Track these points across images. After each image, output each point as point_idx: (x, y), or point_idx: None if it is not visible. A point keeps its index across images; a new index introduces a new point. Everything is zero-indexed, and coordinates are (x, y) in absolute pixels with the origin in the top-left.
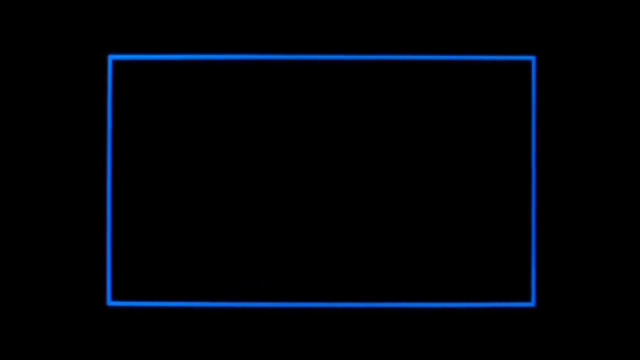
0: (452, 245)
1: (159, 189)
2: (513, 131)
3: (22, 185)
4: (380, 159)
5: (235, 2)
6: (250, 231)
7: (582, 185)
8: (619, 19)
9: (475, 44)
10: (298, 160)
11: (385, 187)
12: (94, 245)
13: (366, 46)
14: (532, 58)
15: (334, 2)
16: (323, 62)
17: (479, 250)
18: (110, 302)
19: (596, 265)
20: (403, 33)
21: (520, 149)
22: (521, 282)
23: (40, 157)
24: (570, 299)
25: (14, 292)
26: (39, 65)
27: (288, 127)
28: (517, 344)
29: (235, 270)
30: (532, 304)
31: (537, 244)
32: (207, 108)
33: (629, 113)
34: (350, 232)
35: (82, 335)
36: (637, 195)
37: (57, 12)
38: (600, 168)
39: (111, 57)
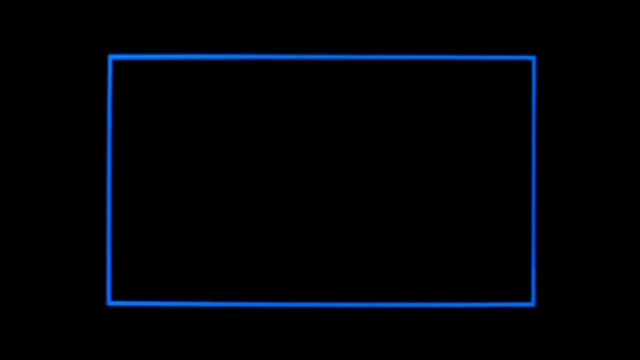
0: (452, 246)
1: (159, 189)
2: (513, 131)
3: (22, 185)
4: (380, 159)
5: (235, 2)
6: (250, 231)
7: (582, 185)
8: (619, 19)
9: (475, 44)
10: (298, 160)
11: (385, 187)
12: (94, 245)
13: (366, 46)
14: (532, 58)
15: (334, 2)
16: (323, 62)
17: (479, 250)
18: (110, 302)
19: (596, 265)
20: (403, 33)
21: (520, 149)
22: (521, 282)
23: (40, 157)
24: (570, 299)
25: (14, 292)
26: (39, 65)
27: (288, 127)
28: (517, 344)
29: (235, 270)
30: (532, 304)
31: (537, 244)
32: (207, 108)
33: (629, 113)
34: (350, 232)
35: (82, 335)
36: (637, 195)
37: (57, 12)
38: (600, 168)
39: (111, 57)
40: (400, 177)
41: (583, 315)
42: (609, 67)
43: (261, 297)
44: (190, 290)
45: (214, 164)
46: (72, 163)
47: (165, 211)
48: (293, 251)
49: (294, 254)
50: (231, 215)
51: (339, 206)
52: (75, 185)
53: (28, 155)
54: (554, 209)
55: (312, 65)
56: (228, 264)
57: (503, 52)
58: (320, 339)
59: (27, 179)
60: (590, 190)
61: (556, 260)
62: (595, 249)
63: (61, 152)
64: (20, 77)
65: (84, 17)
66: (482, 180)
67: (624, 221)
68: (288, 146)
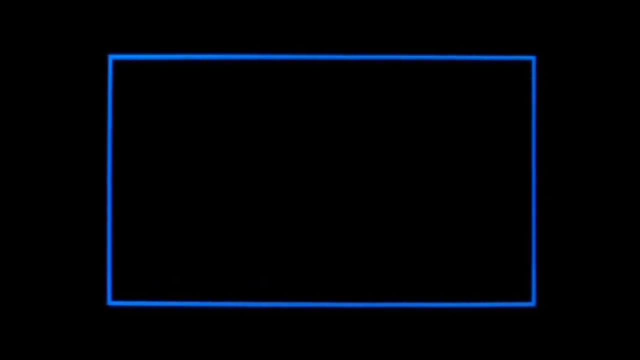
0: (452, 246)
1: (159, 189)
2: (513, 131)
3: (22, 185)
4: (380, 159)
5: (235, 2)
6: (250, 231)
7: (582, 185)
8: (619, 19)
9: (475, 44)
10: (298, 160)
11: (385, 187)
12: (94, 245)
13: (366, 46)
14: (532, 58)
15: (334, 2)
16: (323, 62)
17: (479, 250)
18: (110, 302)
19: (596, 265)
20: (403, 33)
21: (520, 149)
22: (521, 282)
23: (40, 157)
24: (570, 299)
25: (14, 292)
26: (39, 65)
27: (288, 127)
28: (517, 344)
29: (235, 270)
30: (532, 303)
31: (537, 244)
32: (207, 108)
33: (629, 113)
34: (350, 232)
35: (82, 335)
36: (637, 195)
37: (57, 12)
38: (600, 168)
39: (111, 57)
40: (401, 177)
41: (583, 315)
42: (609, 67)
43: (261, 297)
44: (190, 290)
45: (214, 164)
46: (72, 163)
47: (165, 211)
48: (293, 251)
49: (294, 254)
50: (231, 216)
51: (339, 206)
52: (76, 185)
53: (28, 155)
54: (554, 209)
55: (312, 65)
56: (228, 264)
57: (503, 52)
58: (320, 339)
59: (28, 179)
60: (590, 190)
61: (556, 260)
62: (595, 249)
63: (61, 152)
64: (21, 77)
65: (84, 17)
66: (482, 181)
67: (624, 221)
68: (288, 146)
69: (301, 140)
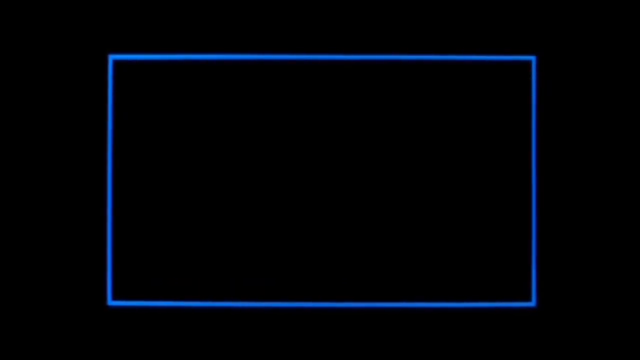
0: (452, 246)
1: (159, 189)
2: (513, 131)
3: (22, 185)
4: (380, 159)
5: (235, 2)
6: (250, 231)
7: (582, 185)
8: (619, 19)
9: (475, 44)
10: (298, 160)
11: (385, 187)
12: (95, 245)
13: (366, 46)
14: (532, 58)
15: (334, 2)
16: (323, 62)
17: (479, 250)
18: (110, 302)
19: (596, 265)
20: (403, 33)
21: (520, 149)
22: (521, 282)
23: (40, 157)
24: (570, 299)
25: (14, 292)
26: (39, 65)
27: (288, 127)
28: (517, 344)
29: (235, 270)
30: (532, 303)
31: (537, 244)
32: (208, 108)
33: (629, 113)
34: (350, 232)
35: (82, 335)
36: (637, 195)
37: (58, 12)
38: (600, 168)
39: (111, 57)
40: (401, 177)
41: (583, 315)
42: (609, 67)
43: (261, 297)
44: (190, 290)
45: (214, 164)
46: (72, 163)
47: (165, 211)
48: (293, 251)
49: (294, 254)
50: (231, 216)
51: (338, 206)
52: (76, 186)
53: (28, 155)
54: (554, 209)
55: (312, 65)
56: (228, 264)
57: (503, 52)
58: (320, 339)
59: (28, 179)
60: (590, 190)
61: (556, 260)
62: (595, 249)
63: (61, 152)
64: (21, 77)
65: (84, 17)
66: (482, 181)
67: (624, 221)
68: (288, 146)
69: (301, 140)
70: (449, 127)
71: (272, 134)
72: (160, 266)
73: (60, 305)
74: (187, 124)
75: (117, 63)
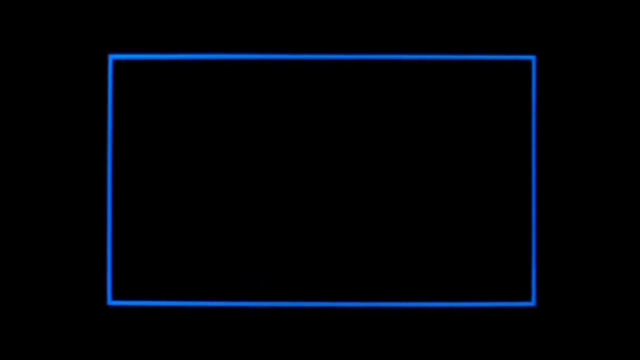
0: (452, 245)
1: (159, 189)
2: (513, 131)
3: (22, 185)
4: (380, 158)
5: (235, 2)
6: (250, 231)
7: (582, 185)
8: (619, 19)
9: (475, 44)
10: (298, 160)
11: (385, 187)
12: (95, 245)
13: (366, 46)
14: (532, 57)
15: (334, 2)
16: (323, 62)
17: (479, 250)
18: (110, 302)
19: (596, 265)
20: (403, 33)
21: (520, 149)
22: (521, 281)
23: (40, 156)
24: (570, 299)
25: (14, 292)
26: (39, 65)
27: (288, 127)
28: (517, 344)
29: (235, 270)
30: (532, 303)
31: (537, 244)
32: (208, 108)
33: (629, 113)
34: (350, 232)
35: (82, 335)
36: (637, 195)
37: (58, 12)
38: (600, 168)
39: (112, 57)
40: (400, 177)
41: (583, 315)
42: (609, 66)
43: (261, 297)
44: (190, 290)
45: (214, 164)
46: (72, 163)
47: (165, 211)
48: (293, 251)
49: (294, 254)
50: (231, 216)
51: (338, 206)
52: (76, 185)
53: (28, 155)
54: (554, 209)
55: (312, 65)
56: (228, 264)
57: (503, 52)
58: (320, 339)
59: (28, 178)
60: (590, 190)
61: (556, 260)
62: (595, 249)
63: (61, 152)
64: (21, 77)
65: (84, 17)
66: (482, 180)
67: (624, 221)
68: (288, 146)
69: (301, 140)
70: (449, 127)
71: (272, 134)
72: (160, 266)
73: (60, 305)
74: (187, 124)
75: (117, 63)
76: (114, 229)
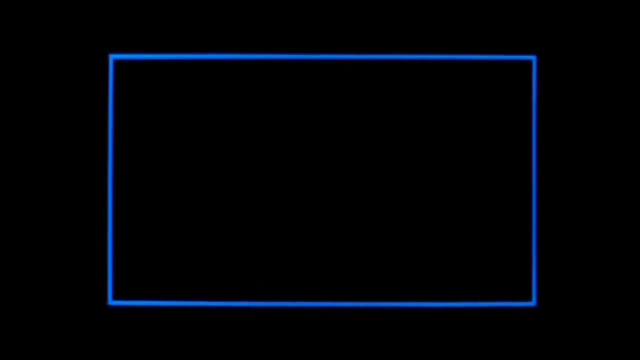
0: (453, 245)
1: (159, 189)
2: (513, 131)
3: (22, 185)
4: (380, 159)
5: (235, 2)
6: (250, 231)
7: (583, 185)
8: (619, 19)
9: (476, 44)
10: (298, 160)
11: (386, 187)
12: (95, 245)
13: (366, 46)
14: (532, 58)
15: (334, 2)
16: (323, 62)
17: (479, 250)
18: (111, 302)
19: (596, 265)
20: (403, 33)
21: (520, 149)
22: (522, 281)
23: (41, 156)
24: (571, 299)
25: (14, 292)
26: (40, 65)
27: (288, 127)
28: (517, 344)
29: (235, 270)
30: (532, 303)
31: (537, 244)
32: (208, 108)
33: (630, 113)
34: (350, 232)
35: (82, 334)
36: (637, 195)
37: (58, 12)
38: (600, 168)
39: (112, 57)
40: (401, 177)
41: (583, 314)
42: (609, 66)
43: (261, 297)
44: (190, 290)
45: (215, 163)
46: (73, 162)
47: (165, 211)
48: (293, 251)
49: (294, 254)
50: (231, 216)
51: (338, 206)
52: (76, 185)
53: (29, 155)
54: (554, 209)
55: (312, 65)
56: (228, 264)
57: (503, 52)
58: (320, 339)
59: (28, 178)
60: (590, 190)
61: (557, 259)
62: (595, 249)
63: (62, 151)
64: (22, 76)
65: (85, 16)
66: (483, 181)
67: (624, 221)
68: (288, 146)
69: (301, 140)
70: (449, 127)
71: (272, 133)
72: (161, 266)
73: (60, 305)
74: (188, 124)
75: (117, 62)
76: (114, 229)
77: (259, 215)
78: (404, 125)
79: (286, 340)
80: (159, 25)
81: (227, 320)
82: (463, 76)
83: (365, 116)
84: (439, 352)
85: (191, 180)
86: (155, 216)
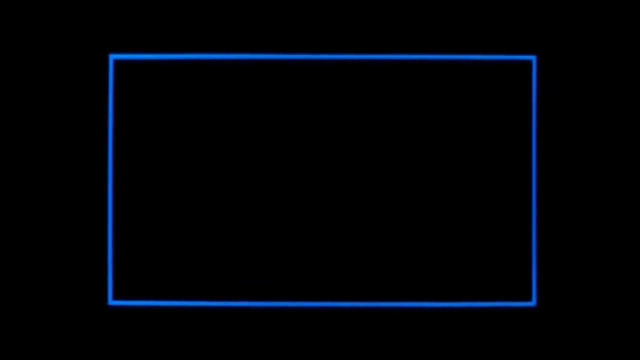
0: (453, 245)
1: (159, 189)
2: (513, 131)
3: (23, 185)
4: (380, 159)
5: (235, 2)
6: (250, 231)
7: (583, 185)
8: (619, 19)
9: (476, 44)
10: (298, 160)
11: (386, 187)
12: (95, 245)
13: (366, 46)
14: (532, 57)
15: (334, 2)
16: (323, 62)
17: (479, 250)
18: (111, 302)
19: (597, 265)
20: (403, 33)
21: (520, 149)
22: (522, 281)
23: (41, 156)
24: (571, 299)
25: (14, 292)
26: (40, 65)
27: (288, 127)
28: (517, 344)
29: (235, 270)
30: (533, 303)
31: (537, 244)
32: (208, 108)
33: (630, 113)
34: (350, 232)
35: (82, 334)
36: (637, 195)
37: (58, 12)
38: (600, 168)
39: (112, 57)
40: (401, 177)
41: (584, 314)
42: (609, 66)
43: (261, 297)
44: (190, 290)
45: (215, 164)
46: (73, 163)
47: (166, 211)
48: (293, 251)
49: (294, 254)
50: (231, 216)
51: (338, 206)
52: (77, 185)
53: (29, 155)
54: (554, 209)
55: (312, 65)
56: (228, 264)
57: (503, 52)
58: (320, 339)
59: (28, 178)
60: (590, 191)
61: (557, 259)
62: (595, 249)
63: (62, 151)
64: (22, 76)
65: (85, 16)
66: (483, 181)
67: (624, 221)
68: (288, 146)
69: (301, 140)
70: (449, 127)
71: (272, 133)
72: (161, 266)
73: (60, 305)
74: (188, 124)
75: (117, 62)
76: (114, 229)
77: (259, 216)
78: (404, 125)
79: (286, 340)
80: (159, 25)
81: (227, 320)
82: (463, 76)
83: (365, 116)
84: (439, 352)
85: (191, 181)
86: (155, 216)
